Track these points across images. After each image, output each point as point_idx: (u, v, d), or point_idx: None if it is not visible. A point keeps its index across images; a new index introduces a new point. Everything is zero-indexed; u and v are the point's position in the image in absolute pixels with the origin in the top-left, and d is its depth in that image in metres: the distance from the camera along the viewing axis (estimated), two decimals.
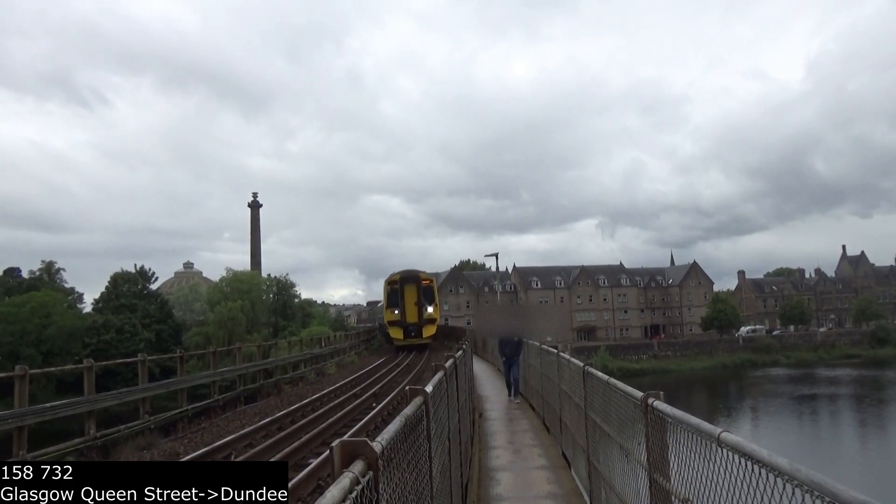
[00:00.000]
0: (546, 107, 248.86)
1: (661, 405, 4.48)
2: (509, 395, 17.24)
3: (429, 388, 4.23)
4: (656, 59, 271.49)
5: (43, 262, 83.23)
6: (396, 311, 40.88)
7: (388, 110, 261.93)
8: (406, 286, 41.40)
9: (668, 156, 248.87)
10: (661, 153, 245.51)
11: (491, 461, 10.05)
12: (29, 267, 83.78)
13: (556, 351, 11.29)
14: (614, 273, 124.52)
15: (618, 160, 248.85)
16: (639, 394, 5.04)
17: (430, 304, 41.33)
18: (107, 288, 77.58)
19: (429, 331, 41.17)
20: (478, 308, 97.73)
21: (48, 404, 13.80)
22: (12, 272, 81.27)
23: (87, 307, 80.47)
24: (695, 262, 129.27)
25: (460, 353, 9.45)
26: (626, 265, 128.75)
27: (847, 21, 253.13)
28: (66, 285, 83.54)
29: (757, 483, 2.67)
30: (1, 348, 63.38)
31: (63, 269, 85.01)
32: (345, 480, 1.91)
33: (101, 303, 76.26)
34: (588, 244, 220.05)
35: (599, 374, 7.30)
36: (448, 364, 6.61)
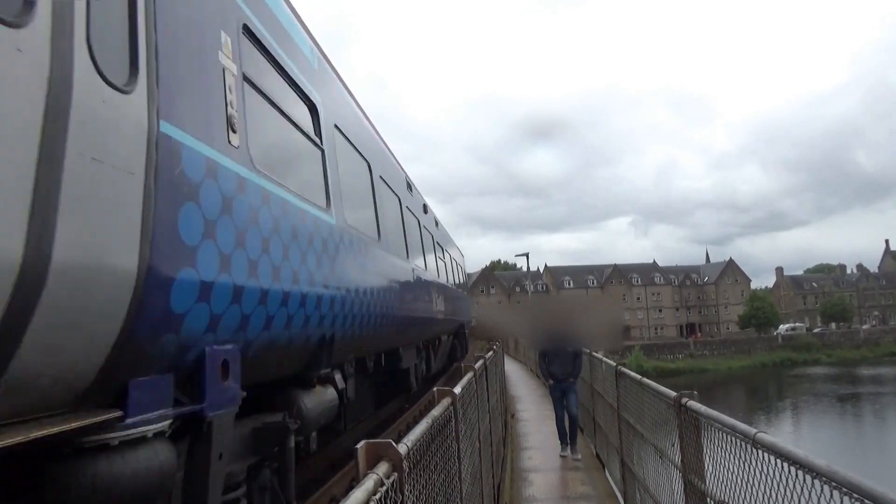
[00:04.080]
0: (575, 105, 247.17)
1: (694, 405, 4.40)
2: (564, 445, 10.26)
3: (457, 390, 4.22)
4: (687, 52, 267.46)
5: None
6: None
7: (416, 112, 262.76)
8: None
9: (702, 152, 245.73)
10: (695, 149, 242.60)
11: (524, 462, 9.99)
12: None
13: (587, 350, 11.17)
14: (648, 271, 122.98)
15: (650, 157, 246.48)
16: (672, 393, 4.96)
17: None
18: None
19: None
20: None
21: None
22: None
23: None
24: (731, 259, 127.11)
25: (491, 353, 9.41)
26: (660, 263, 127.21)
27: (889, 9, 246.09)
28: None
29: (794, 485, 2.60)
30: None
31: None
32: (368, 482, 1.90)
33: None
34: (621, 242, 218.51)
35: (632, 373, 7.22)
36: (478, 365, 6.59)
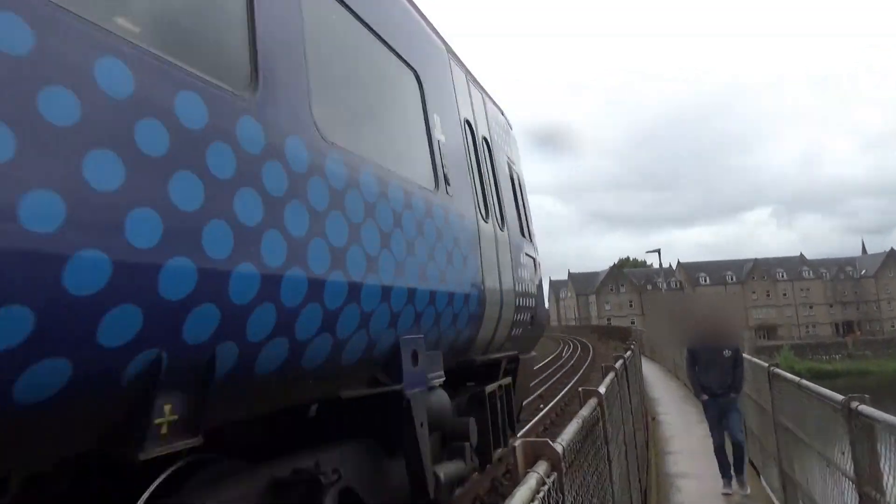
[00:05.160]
0: (704, 91, 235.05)
1: (868, 409, 4.06)
2: (727, 480, 7.94)
3: (602, 389, 4.13)
4: (827, 25, 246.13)
5: None
6: None
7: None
8: None
9: (853, 133, 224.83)
10: (844, 131, 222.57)
11: (669, 467, 9.60)
12: None
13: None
14: (794, 265, 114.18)
15: (790, 142, 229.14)
16: (839, 397, 4.61)
17: None
18: None
19: None
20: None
21: None
22: None
23: None
24: (892, 249, 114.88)
25: (629, 353, 9.14)
26: (808, 256, 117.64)
27: None
28: None
29: None
30: None
31: None
32: (531, 480, 1.90)
33: None
34: (762, 235, 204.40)
35: (788, 375, 6.77)
36: (618, 364, 6.42)
